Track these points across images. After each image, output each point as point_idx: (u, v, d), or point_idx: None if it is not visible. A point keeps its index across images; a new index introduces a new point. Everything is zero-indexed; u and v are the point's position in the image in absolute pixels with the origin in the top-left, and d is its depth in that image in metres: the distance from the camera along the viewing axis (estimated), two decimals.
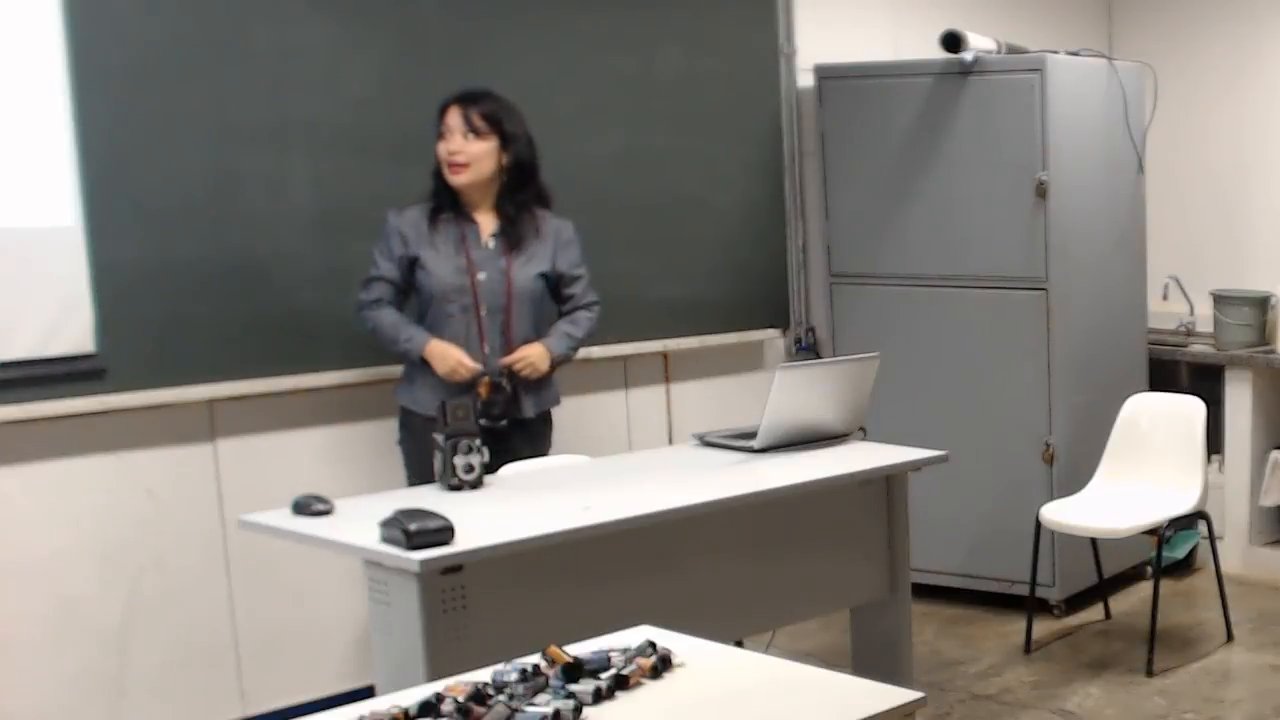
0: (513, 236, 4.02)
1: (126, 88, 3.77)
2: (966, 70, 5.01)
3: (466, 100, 3.96)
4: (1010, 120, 4.98)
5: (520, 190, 4.03)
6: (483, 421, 3.82)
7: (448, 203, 3.98)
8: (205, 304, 3.93)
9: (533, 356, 4.01)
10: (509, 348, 4.01)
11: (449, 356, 3.92)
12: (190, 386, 3.93)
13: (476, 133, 3.94)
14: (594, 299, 4.21)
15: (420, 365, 3.96)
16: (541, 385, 4.10)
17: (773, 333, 5.37)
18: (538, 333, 4.09)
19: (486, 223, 4.02)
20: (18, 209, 3.62)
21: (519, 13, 4.52)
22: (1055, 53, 5.06)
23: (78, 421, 3.79)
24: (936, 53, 5.06)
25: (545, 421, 4.17)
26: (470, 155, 3.94)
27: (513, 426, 4.02)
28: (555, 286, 4.13)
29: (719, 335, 5.16)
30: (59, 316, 3.69)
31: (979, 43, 5.04)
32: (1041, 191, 4.96)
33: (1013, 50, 5.15)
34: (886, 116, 5.17)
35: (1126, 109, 5.30)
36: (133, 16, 3.78)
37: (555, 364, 4.09)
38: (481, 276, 3.98)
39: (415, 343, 3.94)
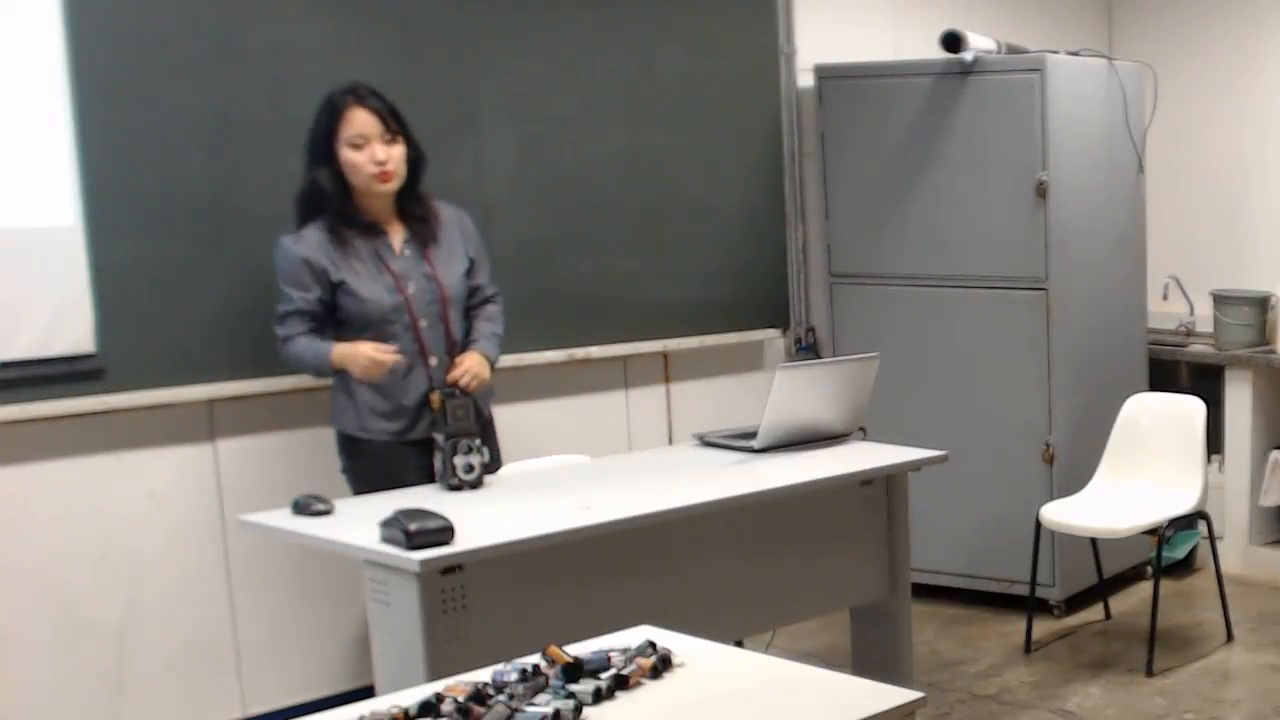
0: (425, 237, 3.81)
1: (126, 87, 3.77)
2: (966, 70, 5.01)
3: (369, 97, 3.70)
4: (1010, 120, 4.98)
5: (415, 187, 3.82)
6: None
7: (347, 215, 3.72)
8: (205, 304, 3.93)
9: (475, 366, 3.79)
10: (452, 354, 3.83)
11: (358, 355, 3.63)
12: (190, 386, 3.92)
13: (393, 135, 3.71)
14: (497, 290, 4.00)
15: (345, 382, 3.75)
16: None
17: (773, 333, 5.37)
18: (467, 333, 3.92)
19: (394, 231, 3.79)
20: (18, 209, 3.62)
21: (519, 13, 4.52)
22: (1055, 53, 5.06)
23: (78, 421, 3.79)
24: (936, 53, 5.05)
25: (489, 422, 4.00)
26: (395, 161, 3.71)
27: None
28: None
29: (719, 335, 5.16)
30: (59, 316, 3.68)
31: (979, 43, 5.04)
32: (1041, 191, 4.95)
33: (1013, 50, 5.15)
34: (886, 116, 5.17)
35: (1126, 109, 5.30)
36: (132, 16, 3.77)
37: (492, 368, 3.88)
38: (411, 289, 3.76)
39: (321, 359, 3.66)
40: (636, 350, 4.94)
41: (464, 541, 3.10)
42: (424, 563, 3.02)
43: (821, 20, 5.42)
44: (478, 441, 3.59)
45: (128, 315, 3.79)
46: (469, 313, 3.93)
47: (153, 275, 3.83)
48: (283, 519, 3.39)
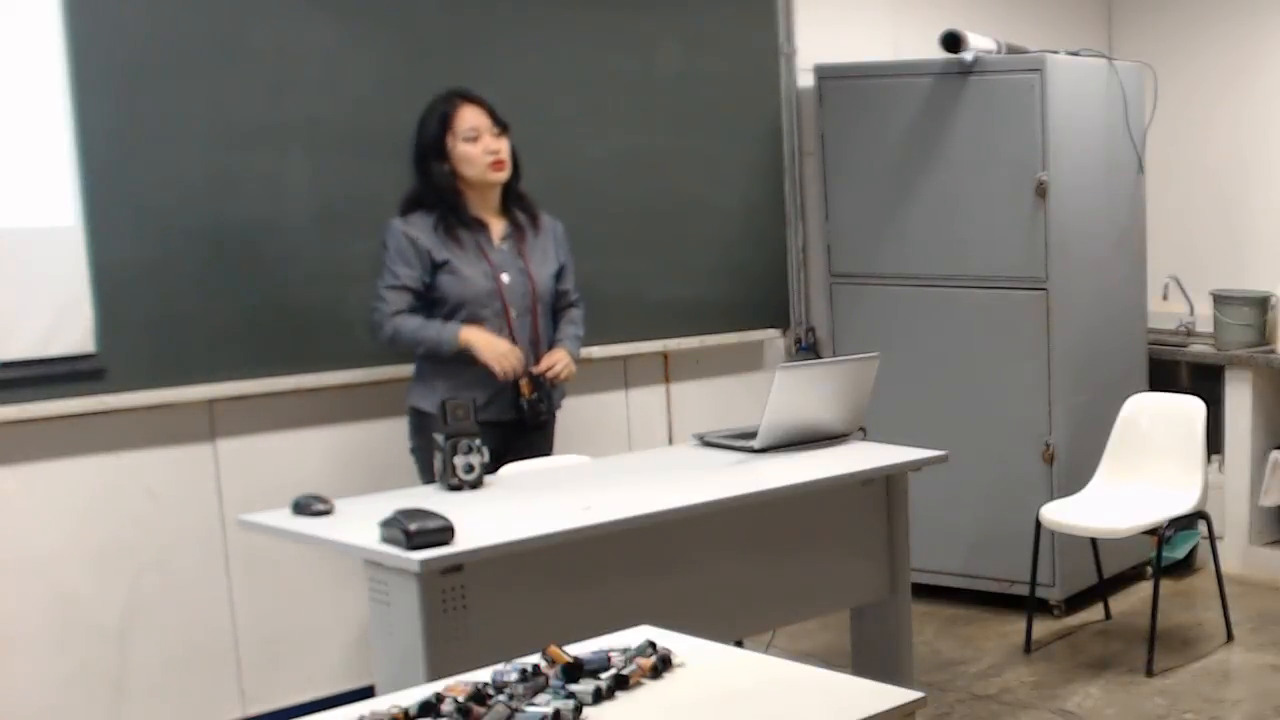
0: (523, 234, 4.03)
1: (126, 88, 3.78)
2: (966, 70, 5.01)
3: (475, 97, 3.94)
4: (1010, 120, 4.98)
5: (517, 183, 4.03)
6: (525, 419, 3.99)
7: (458, 208, 3.92)
8: (205, 304, 3.93)
9: (565, 360, 4.04)
10: (535, 348, 4.01)
11: (496, 345, 3.87)
12: (190, 386, 3.93)
13: (501, 129, 3.94)
14: (580, 296, 4.22)
15: (445, 363, 3.89)
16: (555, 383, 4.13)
17: (773, 333, 5.37)
18: (551, 330, 4.12)
19: (495, 225, 4.00)
20: (18, 209, 3.62)
21: (519, 13, 4.52)
22: (1055, 53, 5.06)
23: (78, 421, 3.79)
24: (936, 53, 5.06)
25: (553, 419, 4.19)
26: (505, 153, 3.95)
27: (536, 426, 4.04)
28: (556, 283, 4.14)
29: (719, 335, 5.16)
30: (59, 316, 3.69)
31: (979, 43, 5.04)
32: (1041, 191, 4.96)
33: (1013, 50, 5.15)
34: (886, 116, 5.17)
35: (1126, 109, 5.30)
36: (132, 16, 3.78)
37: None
38: (506, 279, 3.96)
39: (449, 331, 3.86)
40: (636, 350, 4.94)
41: (464, 541, 3.09)
42: (424, 563, 3.01)
43: (821, 20, 5.42)
44: (478, 441, 3.60)
45: (128, 315, 3.80)
46: (555, 315, 4.14)
47: (153, 275, 3.84)
48: (283, 519, 3.39)
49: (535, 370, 3.99)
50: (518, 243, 4.01)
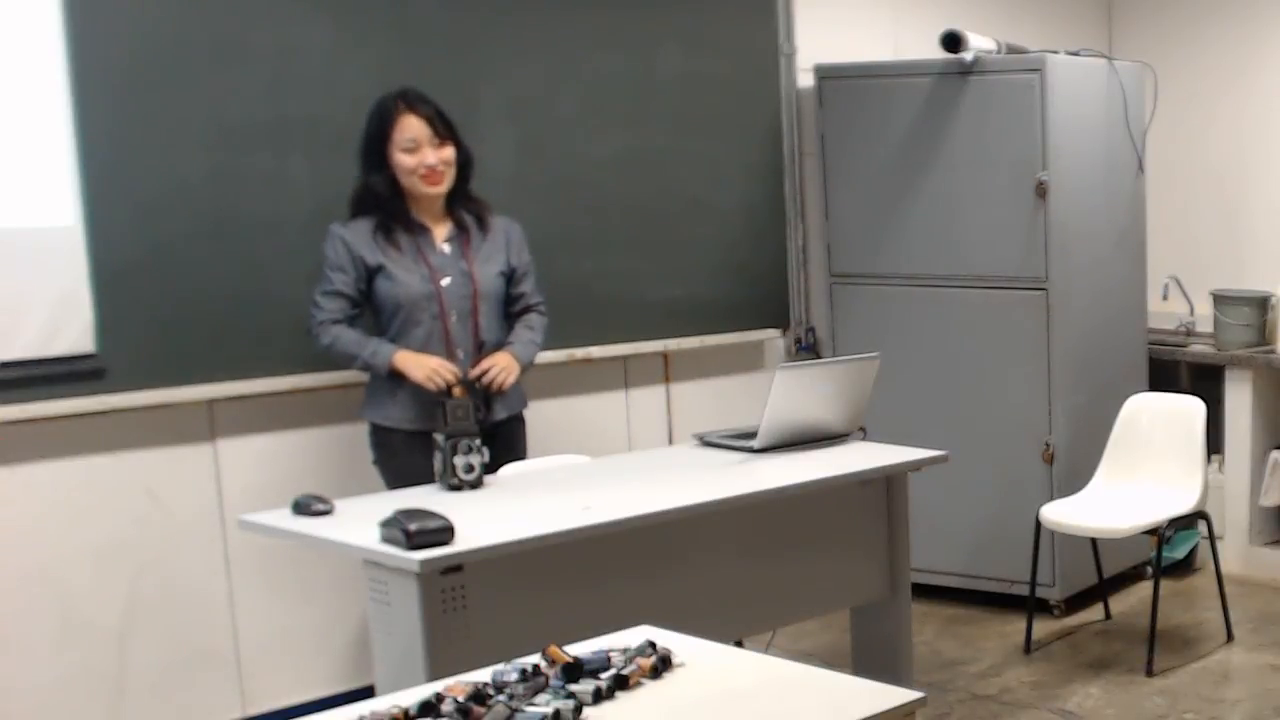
0: (468, 236, 3.95)
1: (126, 88, 3.78)
2: (966, 70, 5.01)
3: (419, 103, 3.85)
4: (1010, 120, 4.98)
5: (464, 187, 3.96)
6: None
7: (398, 214, 3.86)
8: (205, 304, 3.93)
9: (502, 364, 3.92)
10: (478, 351, 3.94)
11: (425, 362, 3.81)
12: (190, 386, 3.93)
13: (441, 140, 3.86)
14: (542, 299, 4.12)
15: (388, 378, 3.85)
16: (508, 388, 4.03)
17: (773, 333, 5.37)
18: (503, 333, 4.02)
19: (438, 228, 3.93)
20: (18, 209, 3.62)
21: (519, 12, 4.52)
22: (1055, 53, 5.06)
23: (78, 421, 3.79)
24: (936, 53, 5.06)
25: (519, 424, 4.12)
26: (444, 163, 3.86)
27: (487, 432, 3.94)
28: (507, 284, 4.04)
29: (719, 335, 5.16)
30: (59, 316, 3.69)
31: (979, 43, 5.04)
32: (1041, 191, 4.96)
33: (1013, 50, 5.15)
34: (886, 116, 5.17)
35: (1126, 109, 5.30)
36: (133, 16, 3.78)
37: (523, 371, 4.01)
38: (446, 282, 3.88)
39: (382, 354, 3.81)
40: (636, 350, 4.94)
41: (464, 541, 3.10)
42: (424, 563, 3.02)
43: (821, 20, 5.43)
44: (478, 441, 3.60)
45: (128, 315, 3.80)
46: (512, 320, 4.05)
47: (153, 275, 3.84)
48: (283, 519, 3.39)
49: (471, 375, 3.88)
50: (462, 245, 3.94)
